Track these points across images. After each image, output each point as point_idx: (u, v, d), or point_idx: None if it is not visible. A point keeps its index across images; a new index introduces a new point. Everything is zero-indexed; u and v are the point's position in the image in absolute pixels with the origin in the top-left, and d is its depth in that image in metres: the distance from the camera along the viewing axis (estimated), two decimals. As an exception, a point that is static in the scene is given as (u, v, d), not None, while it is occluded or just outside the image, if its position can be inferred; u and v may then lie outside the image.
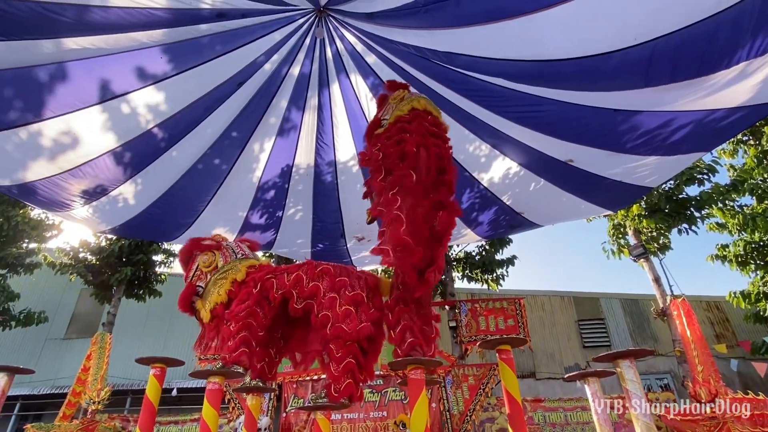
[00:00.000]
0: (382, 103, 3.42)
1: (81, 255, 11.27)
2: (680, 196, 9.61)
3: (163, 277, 12.11)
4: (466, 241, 7.20)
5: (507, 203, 5.70)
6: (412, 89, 3.21)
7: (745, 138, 10.42)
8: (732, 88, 3.11)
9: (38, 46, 3.43)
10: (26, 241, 11.08)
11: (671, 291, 9.59)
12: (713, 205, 9.59)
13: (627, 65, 3.15)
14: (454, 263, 11.95)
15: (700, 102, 3.36)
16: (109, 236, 10.85)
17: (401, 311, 2.64)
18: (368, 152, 2.94)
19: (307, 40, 4.57)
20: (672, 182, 9.43)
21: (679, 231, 9.67)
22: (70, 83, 3.85)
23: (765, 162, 9.99)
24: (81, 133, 4.27)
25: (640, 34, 2.95)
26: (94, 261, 11.21)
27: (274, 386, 3.10)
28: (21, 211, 10.57)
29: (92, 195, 4.94)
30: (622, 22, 2.96)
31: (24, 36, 3.29)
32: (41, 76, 3.70)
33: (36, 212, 10.89)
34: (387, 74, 4.76)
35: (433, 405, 7.05)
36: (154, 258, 11.85)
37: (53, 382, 12.47)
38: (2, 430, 12.62)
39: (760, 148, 10.07)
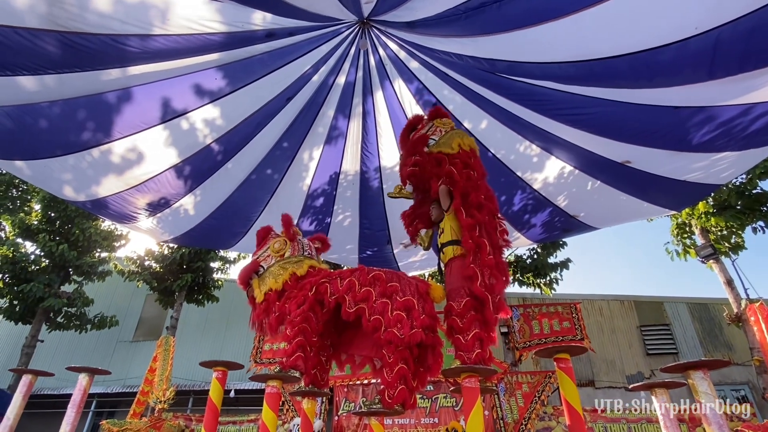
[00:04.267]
0: (418, 122, 3.63)
1: (146, 263, 12.10)
2: (754, 191, 8.81)
3: (220, 283, 12.72)
4: (516, 246, 6.99)
5: (561, 206, 5.49)
6: None
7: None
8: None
9: (107, 74, 3.72)
10: (98, 250, 12.06)
11: (746, 294, 8.80)
12: (794, 200, 8.71)
13: (688, 57, 2.95)
14: (504, 267, 11.60)
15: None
16: (171, 245, 11.54)
17: (474, 318, 2.63)
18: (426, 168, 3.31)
19: (352, 50, 4.67)
20: (744, 176, 8.66)
21: (754, 230, 8.85)
22: (135, 106, 4.15)
23: None
24: (145, 151, 4.59)
25: (702, 22, 2.76)
26: (158, 268, 11.99)
27: (327, 391, 3.23)
28: (93, 223, 11.53)
29: (156, 207, 5.29)
30: (681, 11, 2.78)
31: (96, 66, 3.59)
32: (110, 100, 4.02)
33: (106, 224, 11.82)
34: (430, 79, 4.76)
35: (486, 413, 6.90)
36: (212, 265, 12.48)
37: (124, 381, 13.41)
38: (80, 425, 13.70)
39: None
